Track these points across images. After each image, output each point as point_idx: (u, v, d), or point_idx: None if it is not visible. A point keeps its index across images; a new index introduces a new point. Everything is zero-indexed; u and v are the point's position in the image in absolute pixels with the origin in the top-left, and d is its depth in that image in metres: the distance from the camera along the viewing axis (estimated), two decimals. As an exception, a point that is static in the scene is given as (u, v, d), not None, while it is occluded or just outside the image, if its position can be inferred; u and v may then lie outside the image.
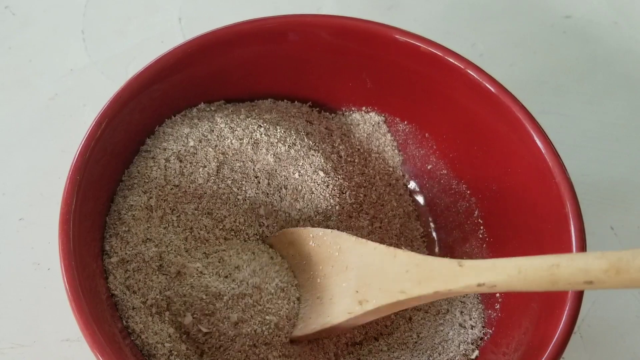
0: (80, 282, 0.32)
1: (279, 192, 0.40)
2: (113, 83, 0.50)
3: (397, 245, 0.43)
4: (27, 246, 0.44)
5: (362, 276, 0.35)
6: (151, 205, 0.38)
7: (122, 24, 0.53)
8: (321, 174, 0.40)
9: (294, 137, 0.41)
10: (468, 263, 0.30)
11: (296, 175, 0.40)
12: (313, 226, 0.39)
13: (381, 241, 0.42)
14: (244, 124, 0.40)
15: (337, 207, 0.41)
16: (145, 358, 0.35)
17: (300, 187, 0.40)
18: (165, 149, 0.39)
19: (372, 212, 0.43)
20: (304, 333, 0.36)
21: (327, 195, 0.40)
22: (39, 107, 0.49)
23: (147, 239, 0.37)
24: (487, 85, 0.39)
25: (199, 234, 0.39)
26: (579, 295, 0.34)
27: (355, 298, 0.34)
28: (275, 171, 0.40)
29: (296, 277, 0.38)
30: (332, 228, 0.40)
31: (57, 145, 0.47)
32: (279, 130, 0.41)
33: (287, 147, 0.40)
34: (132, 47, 0.52)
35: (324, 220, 0.40)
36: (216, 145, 0.40)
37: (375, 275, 0.34)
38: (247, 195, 0.40)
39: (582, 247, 0.35)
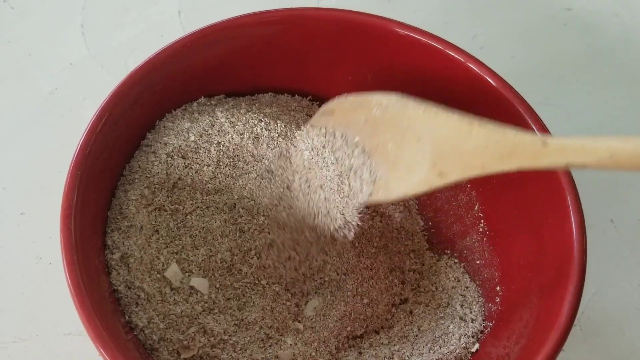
0: (82, 276, 0.32)
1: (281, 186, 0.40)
2: (112, 76, 0.50)
3: (399, 239, 0.43)
4: (29, 240, 0.44)
5: (437, 149, 0.33)
6: (153, 200, 0.38)
7: (121, 16, 0.53)
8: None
9: (295, 131, 0.41)
10: (553, 142, 0.29)
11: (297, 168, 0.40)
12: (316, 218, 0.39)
13: (381, 234, 0.42)
14: (244, 118, 0.40)
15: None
16: (148, 352, 0.35)
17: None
18: (166, 144, 0.39)
19: (373, 205, 0.43)
20: (386, 198, 0.36)
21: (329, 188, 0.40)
22: (38, 101, 0.49)
23: (149, 234, 0.37)
24: (487, 78, 0.39)
25: (199, 228, 0.39)
26: (579, 288, 0.34)
27: (434, 170, 0.33)
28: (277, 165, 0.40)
29: (365, 142, 0.37)
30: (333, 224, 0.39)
31: (57, 139, 0.47)
32: (279, 124, 0.40)
33: (288, 141, 0.40)
34: (131, 39, 0.52)
35: (327, 213, 0.40)
36: (217, 140, 0.40)
37: (452, 149, 0.33)
38: (247, 189, 0.40)
39: (583, 240, 0.35)
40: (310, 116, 0.43)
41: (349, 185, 0.37)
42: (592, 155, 0.27)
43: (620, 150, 0.26)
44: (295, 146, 0.40)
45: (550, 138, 0.29)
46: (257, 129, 0.40)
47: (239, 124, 0.40)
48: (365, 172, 0.37)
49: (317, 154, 0.39)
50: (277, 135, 0.40)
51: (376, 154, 0.37)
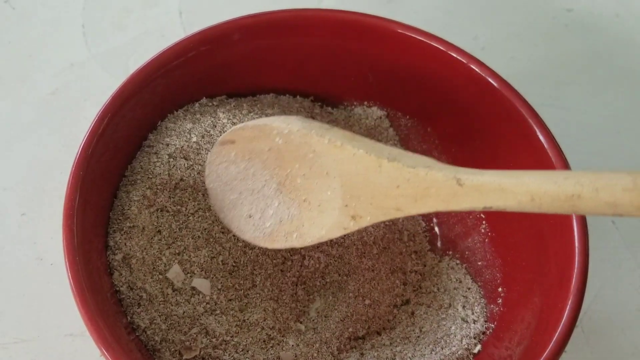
0: (84, 277, 0.32)
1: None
2: (114, 77, 0.50)
3: (401, 240, 0.43)
4: (30, 241, 0.44)
5: (347, 186, 0.31)
6: (155, 201, 0.38)
7: (122, 17, 0.53)
8: None
9: None
10: (468, 182, 0.27)
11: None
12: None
13: (383, 235, 0.42)
14: (246, 119, 0.40)
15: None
16: (150, 354, 0.35)
17: None
18: (168, 145, 0.39)
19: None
20: (300, 244, 0.34)
21: None
22: (39, 102, 0.49)
23: (151, 235, 0.37)
24: (489, 79, 0.39)
25: (201, 229, 0.39)
26: (581, 289, 0.34)
27: (346, 212, 0.31)
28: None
29: (273, 175, 0.35)
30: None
31: (58, 140, 0.47)
32: None
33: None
34: (132, 40, 0.52)
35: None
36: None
37: (362, 187, 0.30)
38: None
39: (584, 241, 0.35)
40: (312, 117, 0.43)
41: (255, 224, 0.36)
42: (511, 198, 0.25)
43: (542, 192, 0.24)
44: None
45: (466, 175, 0.27)
46: None
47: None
48: (274, 211, 0.36)
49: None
50: None
51: (285, 189, 0.35)
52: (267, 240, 0.36)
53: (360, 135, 0.32)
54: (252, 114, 0.41)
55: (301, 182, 0.34)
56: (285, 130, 0.33)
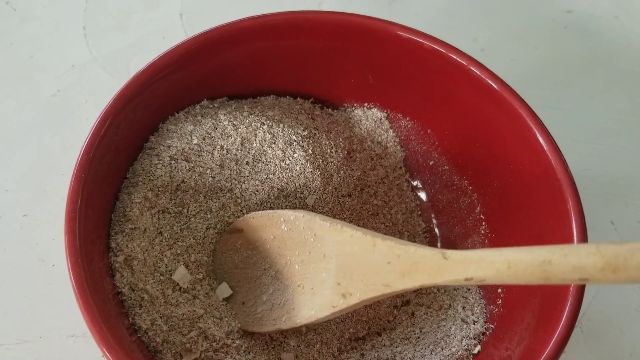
0: (86, 279, 0.33)
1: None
2: (115, 79, 0.50)
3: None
4: (32, 242, 0.44)
5: (341, 266, 0.33)
6: (156, 202, 0.38)
7: (123, 19, 0.53)
8: (317, 172, 0.40)
9: (296, 134, 0.41)
10: (453, 255, 0.29)
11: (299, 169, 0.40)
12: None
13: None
14: (247, 121, 0.40)
15: (338, 207, 0.41)
16: (152, 354, 0.35)
17: (301, 182, 0.40)
18: (169, 147, 0.39)
19: (375, 208, 0.43)
20: (289, 326, 0.36)
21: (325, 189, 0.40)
22: (40, 104, 0.49)
23: (153, 236, 0.38)
24: (489, 81, 0.39)
25: (203, 230, 0.39)
26: (581, 290, 0.34)
27: (338, 290, 0.33)
28: (279, 167, 0.40)
29: (272, 263, 0.37)
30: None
31: (60, 141, 0.47)
32: (282, 127, 0.41)
33: (290, 144, 0.40)
34: (133, 42, 0.52)
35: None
36: (220, 144, 0.40)
37: (356, 266, 0.33)
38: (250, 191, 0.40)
39: (584, 242, 0.35)
40: (313, 119, 0.43)
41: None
42: (491, 267, 0.27)
43: (517, 260, 0.26)
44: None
45: (451, 252, 0.29)
46: (259, 132, 0.40)
47: (241, 126, 0.40)
48: (268, 298, 0.37)
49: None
50: (280, 138, 0.40)
51: (282, 275, 0.37)
52: (256, 325, 0.37)
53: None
54: (252, 116, 0.41)
55: (299, 268, 0.36)
56: (292, 217, 0.36)
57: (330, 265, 0.34)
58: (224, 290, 0.38)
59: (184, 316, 0.36)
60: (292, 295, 0.36)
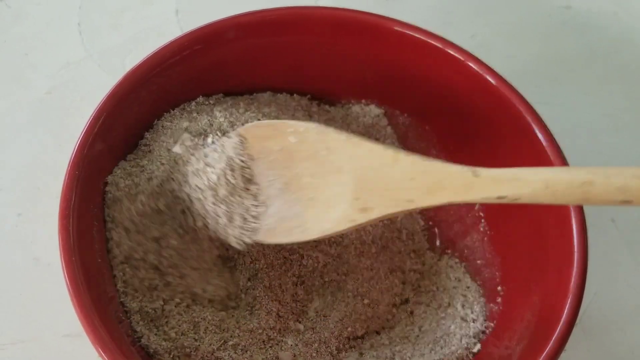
0: (81, 277, 0.32)
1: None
2: (110, 76, 0.50)
3: (399, 238, 0.42)
4: (27, 241, 0.43)
5: (359, 180, 0.31)
6: (151, 200, 0.38)
7: (119, 16, 0.53)
8: None
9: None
10: (484, 172, 0.28)
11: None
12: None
13: (382, 234, 0.42)
14: (243, 118, 0.40)
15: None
16: (150, 357, 0.35)
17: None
18: (164, 144, 0.39)
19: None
20: (303, 239, 0.34)
21: None
22: (35, 101, 0.49)
23: (150, 235, 0.37)
24: (487, 77, 0.38)
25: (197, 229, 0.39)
26: (581, 288, 0.34)
27: (356, 205, 0.31)
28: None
29: (279, 175, 0.35)
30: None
31: (54, 139, 0.47)
32: None
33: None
34: (128, 39, 0.51)
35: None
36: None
37: (376, 180, 0.31)
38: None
39: (584, 240, 0.35)
40: (310, 116, 0.43)
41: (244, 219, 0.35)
42: (526, 186, 0.26)
43: (556, 180, 0.25)
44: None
45: (482, 169, 0.28)
46: None
47: (237, 123, 0.40)
48: (276, 210, 0.35)
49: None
50: None
51: (290, 189, 0.34)
52: (268, 235, 0.35)
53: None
54: (248, 112, 0.40)
55: (309, 180, 0.34)
56: (302, 128, 0.34)
57: (346, 179, 0.32)
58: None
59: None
60: (304, 208, 0.34)
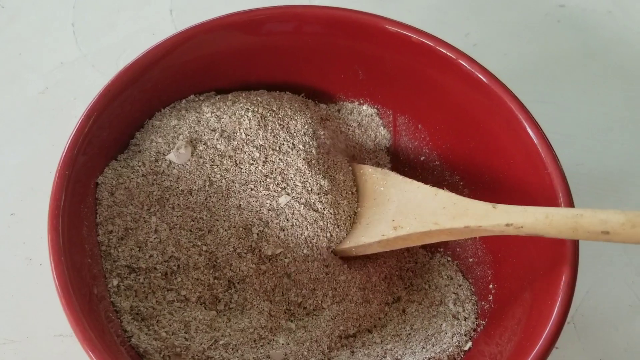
0: (70, 278, 0.32)
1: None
2: (104, 76, 0.50)
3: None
4: (19, 241, 0.43)
5: (400, 207, 0.37)
6: (141, 200, 0.38)
7: (113, 16, 0.53)
8: (306, 165, 0.40)
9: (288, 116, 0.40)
10: (501, 206, 0.33)
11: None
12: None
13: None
14: (230, 110, 0.40)
15: (325, 198, 0.41)
16: (140, 358, 0.35)
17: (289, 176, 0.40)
18: (153, 143, 0.39)
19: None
20: (338, 248, 0.39)
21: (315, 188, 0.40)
22: (29, 101, 0.49)
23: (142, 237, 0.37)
24: (479, 75, 0.38)
25: (190, 227, 0.39)
26: (571, 286, 0.33)
27: (391, 224, 0.37)
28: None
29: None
30: (322, 220, 0.39)
31: (48, 139, 0.47)
32: (268, 109, 0.40)
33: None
34: (122, 39, 0.51)
35: (313, 211, 0.40)
36: (203, 137, 0.39)
37: (414, 208, 0.37)
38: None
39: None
40: (305, 109, 0.43)
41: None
42: (531, 216, 0.31)
43: (554, 213, 0.31)
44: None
45: (500, 205, 0.33)
46: (244, 120, 0.39)
47: (224, 116, 0.39)
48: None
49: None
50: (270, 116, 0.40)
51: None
52: None
53: None
54: (237, 104, 0.40)
55: (360, 211, 0.40)
56: (370, 170, 0.41)
57: (390, 207, 0.38)
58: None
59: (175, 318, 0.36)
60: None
